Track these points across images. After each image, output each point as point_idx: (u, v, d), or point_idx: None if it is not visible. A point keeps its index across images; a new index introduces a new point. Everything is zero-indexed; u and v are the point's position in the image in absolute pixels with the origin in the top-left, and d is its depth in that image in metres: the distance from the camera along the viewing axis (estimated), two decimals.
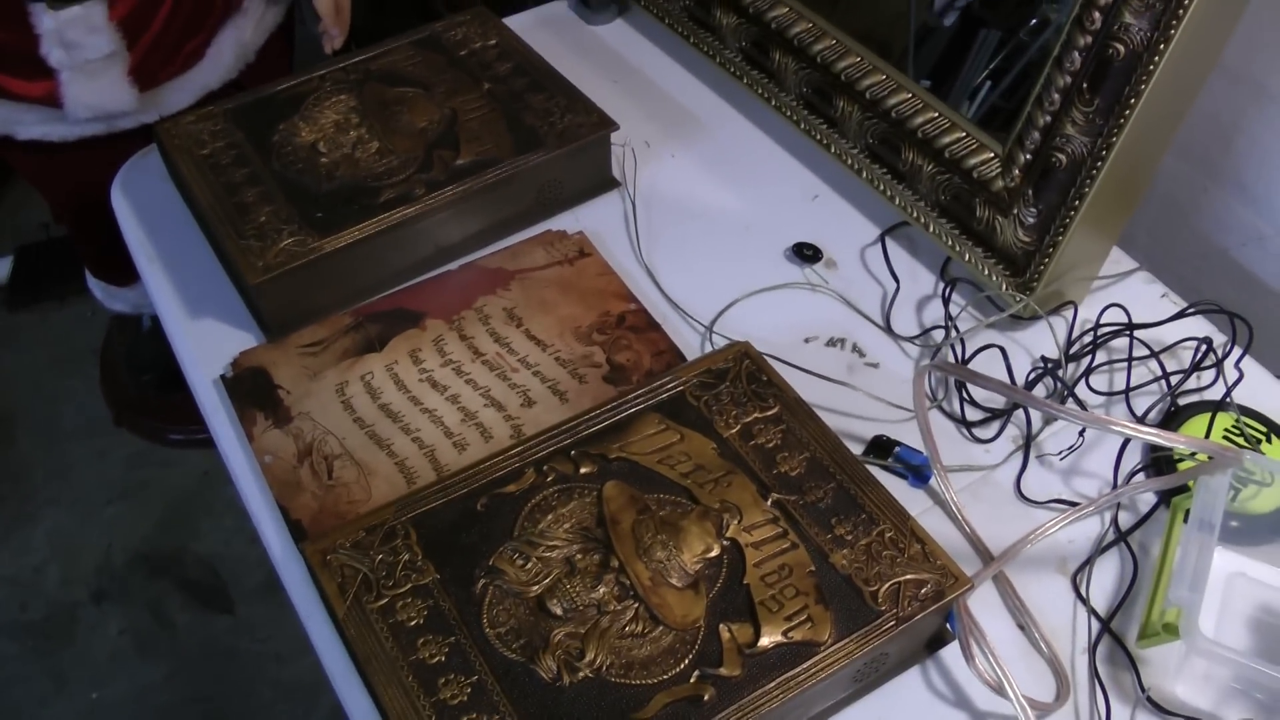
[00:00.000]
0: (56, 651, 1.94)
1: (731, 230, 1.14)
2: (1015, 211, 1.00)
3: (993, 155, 1.02)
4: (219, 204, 1.07)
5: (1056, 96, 0.97)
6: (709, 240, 1.13)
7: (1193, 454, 0.92)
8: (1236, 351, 1.02)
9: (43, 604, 2.00)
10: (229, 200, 1.07)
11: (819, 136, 1.15)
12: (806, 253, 1.10)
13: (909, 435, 0.96)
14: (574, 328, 1.04)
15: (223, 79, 1.70)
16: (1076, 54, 0.95)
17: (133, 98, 1.59)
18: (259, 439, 0.98)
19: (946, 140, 1.05)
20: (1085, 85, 0.94)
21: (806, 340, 1.04)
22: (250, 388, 1.01)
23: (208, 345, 1.05)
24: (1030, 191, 0.99)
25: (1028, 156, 0.99)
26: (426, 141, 1.12)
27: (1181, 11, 0.88)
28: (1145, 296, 1.07)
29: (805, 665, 0.77)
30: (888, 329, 1.05)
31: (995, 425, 0.98)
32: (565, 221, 1.14)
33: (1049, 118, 0.97)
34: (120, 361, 2.32)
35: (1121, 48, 0.92)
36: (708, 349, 1.03)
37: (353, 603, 0.81)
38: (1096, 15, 0.93)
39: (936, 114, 1.06)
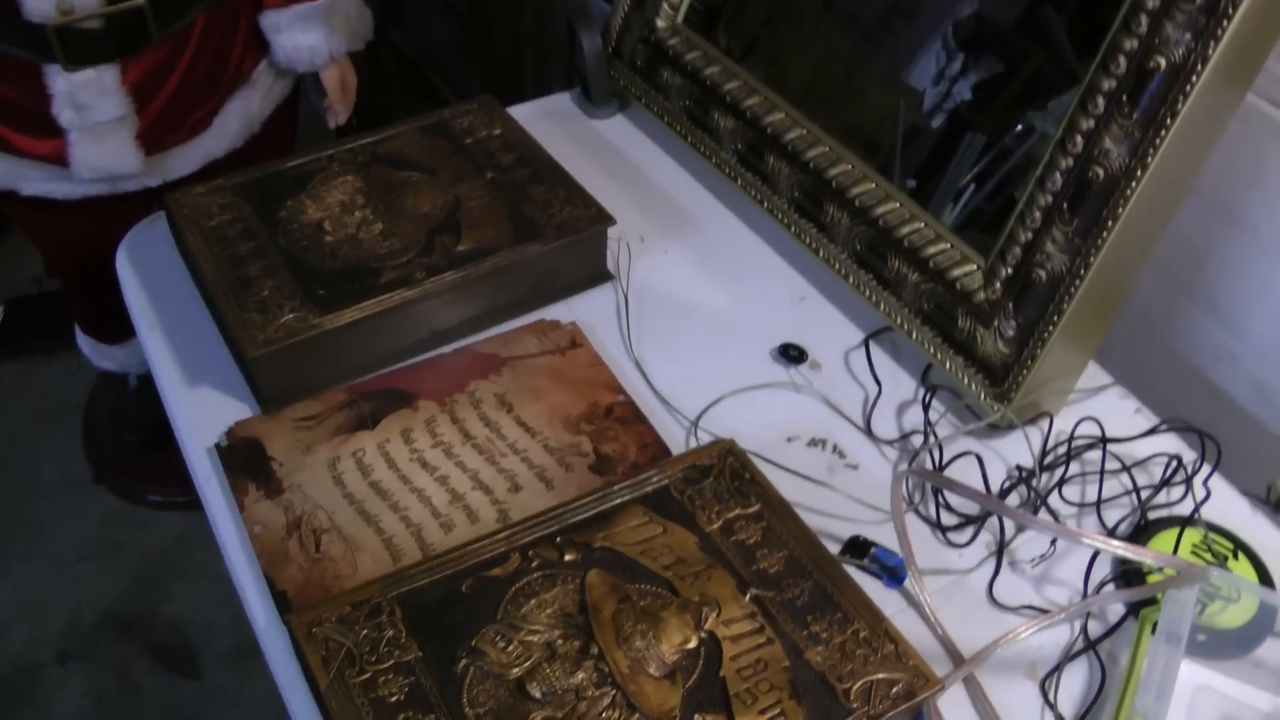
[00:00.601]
0: (15, 712, 1.93)
1: (720, 328, 1.17)
2: (996, 323, 1.03)
3: (975, 267, 1.06)
4: (223, 276, 1.09)
5: (1038, 214, 1.00)
6: (697, 336, 1.16)
7: (1161, 568, 0.95)
8: (1205, 469, 1.05)
9: (6, 662, 2.00)
10: (233, 273, 1.10)
11: (809, 240, 1.19)
12: (792, 353, 1.13)
13: (886, 536, 0.98)
14: (563, 416, 1.07)
15: (228, 148, 1.74)
16: (1058, 175, 0.99)
17: (139, 161, 1.62)
18: (249, 509, 1.00)
19: (931, 250, 1.08)
20: (1065, 205, 0.98)
21: (789, 439, 1.07)
22: (244, 458, 1.03)
23: (203, 414, 1.07)
24: (1011, 305, 1.03)
25: (1009, 271, 1.03)
26: (429, 226, 1.15)
27: (1159, 141, 0.92)
28: (1119, 411, 1.10)
29: None
30: (868, 431, 1.08)
31: (970, 530, 1.00)
32: (559, 311, 1.17)
33: (1030, 235, 1.01)
34: (103, 419, 2.33)
35: (1101, 171, 0.96)
36: (693, 444, 1.06)
37: (335, 676, 0.82)
38: (1079, 139, 0.97)
39: (922, 224, 1.10)
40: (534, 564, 0.89)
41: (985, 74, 1.15)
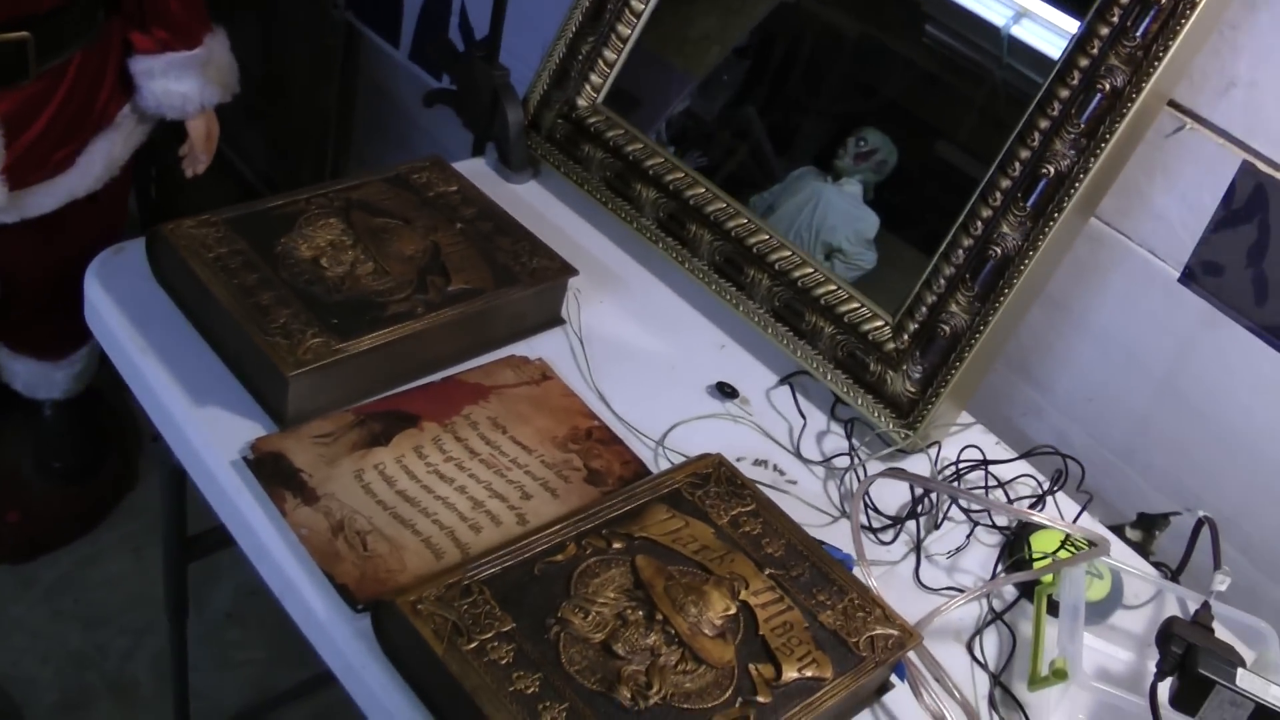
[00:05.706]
0: None
1: (660, 368, 1.37)
2: (904, 368, 1.29)
3: (884, 323, 1.31)
4: (238, 303, 1.18)
5: (943, 281, 1.27)
6: (643, 374, 1.35)
7: (1045, 555, 1.22)
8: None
9: None
10: (246, 300, 1.19)
11: (729, 298, 1.40)
12: (726, 390, 1.34)
13: (828, 535, 1.20)
14: (551, 437, 1.23)
15: (90, 188, 1.77)
16: (961, 251, 1.26)
17: (3, 196, 1.64)
18: (292, 514, 1.10)
19: (844, 309, 1.33)
20: (968, 275, 1.25)
21: (738, 460, 1.27)
22: (273, 470, 1.13)
23: (217, 432, 1.16)
24: (918, 353, 1.28)
25: (916, 325, 1.28)
26: (417, 267, 1.28)
27: (1048, 228, 1.21)
28: (984, 442, 1.38)
29: (818, 694, 1.00)
30: (798, 454, 1.30)
31: (892, 532, 1.24)
32: (522, 349, 1.33)
33: (936, 297, 1.27)
34: None
35: (999, 250, 1.23)
36: (662, 463, 1.24)
37: (449, 644, 0.96)
38: (979, 224, 1.25)
39: (836, 286, 1.34)
40: (588, 551, 1.06)
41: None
